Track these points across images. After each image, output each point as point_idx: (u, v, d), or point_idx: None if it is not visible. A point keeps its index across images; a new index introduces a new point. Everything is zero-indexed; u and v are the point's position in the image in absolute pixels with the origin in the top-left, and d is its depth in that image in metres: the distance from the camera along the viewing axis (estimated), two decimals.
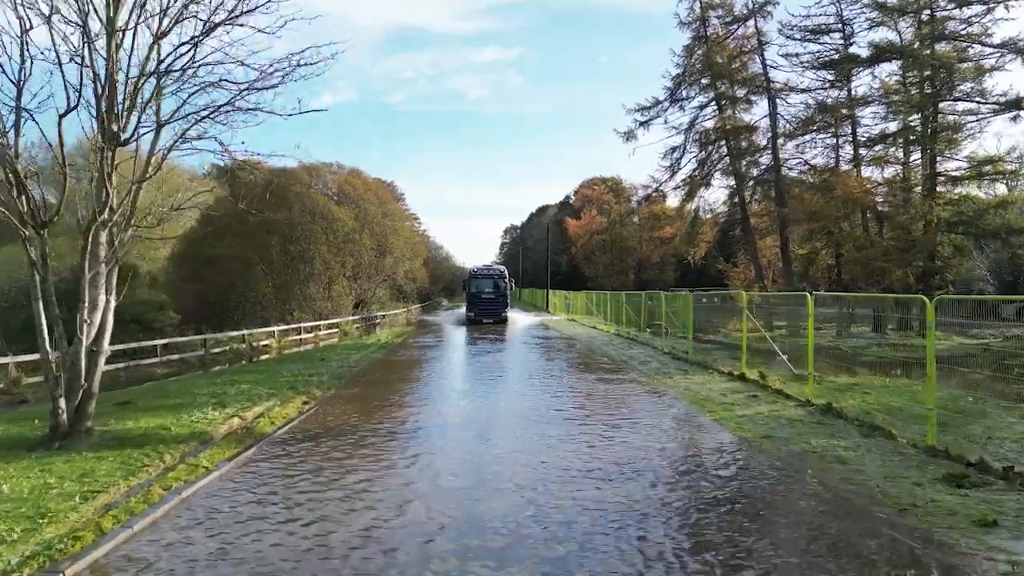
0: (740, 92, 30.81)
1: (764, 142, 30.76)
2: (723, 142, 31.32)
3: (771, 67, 28.73)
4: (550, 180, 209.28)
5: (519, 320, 35.49)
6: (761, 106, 31.45)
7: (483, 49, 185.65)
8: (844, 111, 26.06)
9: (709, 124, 32.11)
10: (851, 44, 27.41)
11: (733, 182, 31.15)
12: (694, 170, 32.54)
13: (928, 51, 25.26)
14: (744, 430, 8.74)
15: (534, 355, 18.70)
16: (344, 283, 30.86)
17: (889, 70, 26.61)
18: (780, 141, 28.53)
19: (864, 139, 27.85)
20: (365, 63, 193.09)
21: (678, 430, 8.85)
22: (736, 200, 31.07)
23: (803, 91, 28.43)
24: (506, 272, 35.15)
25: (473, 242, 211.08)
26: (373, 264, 32.66)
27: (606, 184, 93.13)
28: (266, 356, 20.58)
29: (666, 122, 32.04)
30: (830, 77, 28.19)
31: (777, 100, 28.34)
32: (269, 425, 8.95)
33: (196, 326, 22.41)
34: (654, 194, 34.61)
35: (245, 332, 20.35)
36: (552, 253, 61.64)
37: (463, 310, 37.89)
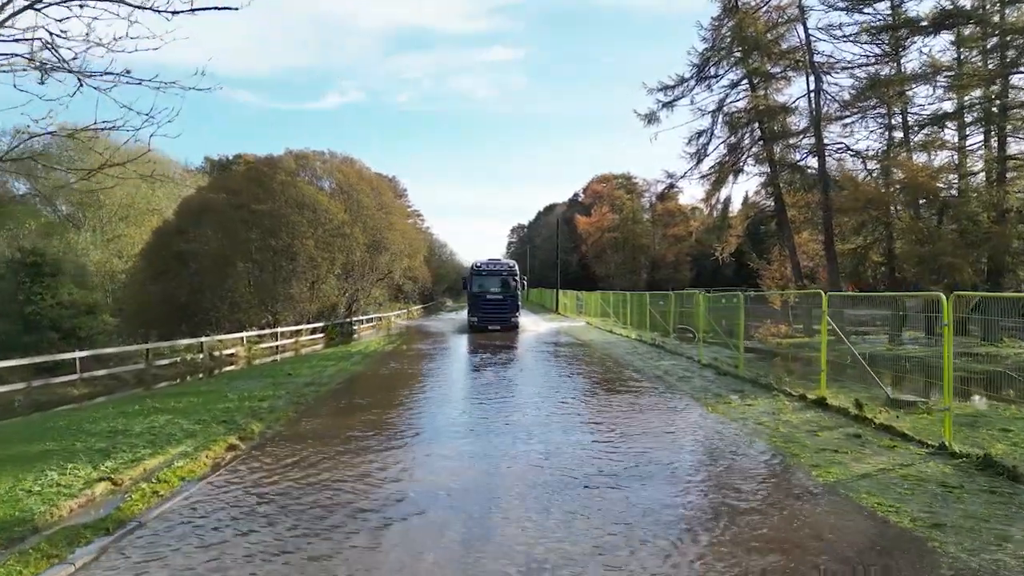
0: (776, 69, 27.50)
1: (803, 124, 27.48)
2: (756, 125, 28.03)
3: (813, 39, 25.38)
4: (557, 180, 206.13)
5: (529, 326, 30.46)
6: (798, 84, 28.34)
7: (489, 49, 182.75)
8: (898, 87, 22.69)
9: (740, 105, 28.87)
10: (901, 14, 24.09)
11: (767, 169, 27.84)
12: (723, 156, 29.27)
13: (998, 17, 21.91)
14: (890, 510, 5.52)
15: (551, 369, 15.51)
16: (333, 282, 27.77)
17: (941, 44, 23.36)
18: (820, 123, 25.17)
19: (916, 121, 24.56)
20: (371, 64, 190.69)
21: (788, 512, 5.57)
22: (771, 190, 27.76)
23: (846, 68, 25.08)
24: (516, 267, 29.15)
25: (479, 242, 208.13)
26: (366, 261, 29.52)
27: (618, 180, 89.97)
28: (231, 368, 17.52)
29: (692, 102, 28.75)
30: (877, 50, 24.87)
31: (822, 76, 24.96)
32: (150, 498, 5.79)
33: (147, 332, 19.33)
34: (675, 185, 31.25)
35: (203, 339, 17.15)
36: (561, 252, 58.43)
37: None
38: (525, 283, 30.96)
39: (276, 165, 28.85)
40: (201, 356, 16.41)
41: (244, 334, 19.21)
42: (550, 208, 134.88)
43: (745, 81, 28.49)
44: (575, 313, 46.37)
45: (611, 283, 72.19)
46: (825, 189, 24.61)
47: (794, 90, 32.99)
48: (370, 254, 29.60)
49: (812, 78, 26.18)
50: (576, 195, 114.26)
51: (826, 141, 26.48)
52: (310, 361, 16.58)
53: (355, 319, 29.27)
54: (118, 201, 36.28)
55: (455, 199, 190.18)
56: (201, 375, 15.71)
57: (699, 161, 29.69)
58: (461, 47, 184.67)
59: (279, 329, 21.61)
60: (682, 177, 29.73)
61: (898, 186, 21.07)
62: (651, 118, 28.90)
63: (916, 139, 24.53)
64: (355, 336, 27.64)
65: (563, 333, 26.87)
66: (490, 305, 27.53)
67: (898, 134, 24.69)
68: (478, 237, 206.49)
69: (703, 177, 29.70)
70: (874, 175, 25.42)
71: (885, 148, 25.54)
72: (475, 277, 28.31)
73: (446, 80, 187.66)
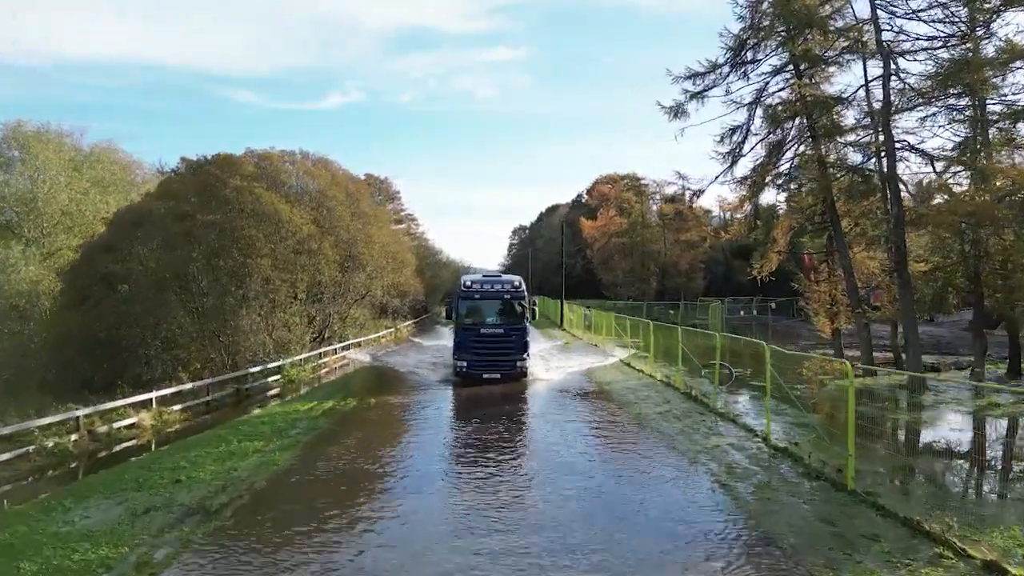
0: (829, 52, 22.83)
1: (858, 118, 22.87)
2: (802, 119, 23.40)
3: (880, 10, 20.65)
4: (559, 180, 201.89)
5: (535, 361, 21.81)
6: (853, 72, 23.63)
7: (491, 49, 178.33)
8: (999, 70, 18.09)
9: (782, 96, 24.23)
10: None
11: (816, 172, 23.18)
12: (763, 157, 24.62)
13: None
14: None
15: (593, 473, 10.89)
16: (297, 307, 23.16)
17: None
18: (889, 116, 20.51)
19: (1001, 113, 20.00)
20: (372, 64, 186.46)
21: None
22: (822, 197, 23.11)
23: (922, 49, 20.43)
24: (522, 287, 20.57)
25: (480, 242, 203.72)
26: (339, 281, 24.89)
27: (625, 179, 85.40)
28: (130, 443, 12.93)
29: (728, 92, 24.07)
30: (947, 30, 20.28)
31: (892, 59, 20.28)
32: None
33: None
34: (702, 190, 26.43)
35: (80, 413, 12.24)
36: (565, 256, 53.76)
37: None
38: (535, 308, 21.70)
39: (230, 167, 24.25)
40: (75, 437, 11.78)
41: (154, 394, 14.57)
42: (552, 209, 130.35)
43: (790, 67, 23.87)
44: (582, 329, 41.61)
45: (617, 291, 67.49)
46: (896, 196, 19.96)
47: (847, 79, 28.15)
48: (343, 273, 25.00)
49: (875, 62, 21.58)
50: (580, 196, 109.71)
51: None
52: (231, 439, 11.99)
53: (323, 350, 24.62)
54: (61, 208, 31.76)
55: (456, 200, 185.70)
56: (51, 472, 11.11)
57: (733, 162, 25.04)
58: (462, 47, 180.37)
59: (207, 381, 16.92)
60: (713, 181, 25.04)
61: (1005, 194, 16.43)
62: (677, 111, 24.21)
63: (995, 135, 20.07)
64: (322, 373, 23.03)
65: (585, 376, 21.29)
66: (486, 344, 19.29)
67: (984, 129, 20.15)
68: (479, 238, 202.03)
69: (738, 182, 25.07)
70: (950, 178, 20.88)
71: (960, 146, 21.03)
72: (464, 301, 19.76)
73: (448, 80, 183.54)
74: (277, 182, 24.66)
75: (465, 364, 19.48)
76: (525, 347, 19.84)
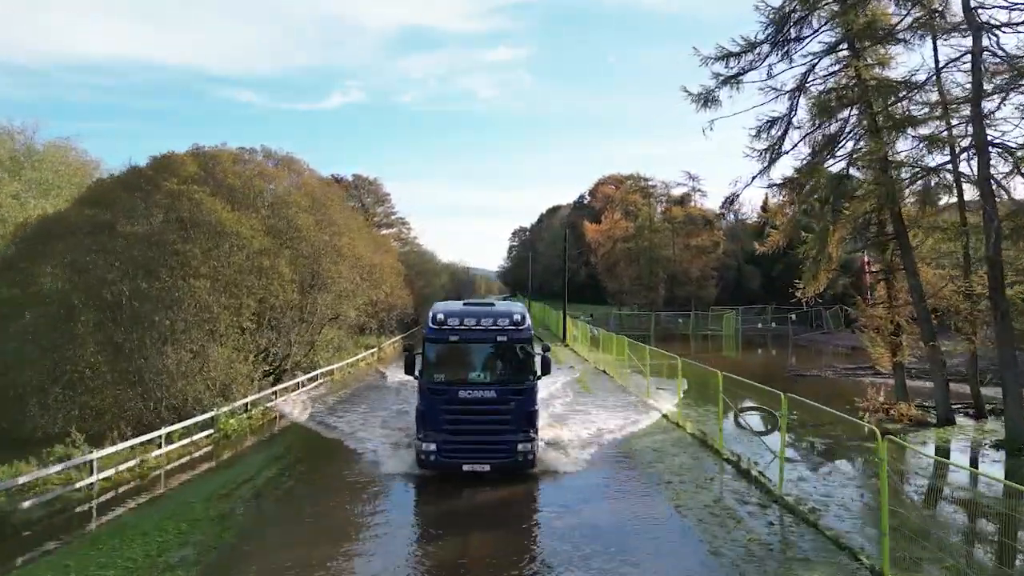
0: (901, 22, 18.64)
1: (926, 106, 18.72)
2: (861, 108, 19.24)
3: None
4: (561, 181, 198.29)
5: (546, 425, 15.80)
6: (922, 52, 19.51)
7: (494, 49, 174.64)
8: None
9: (832, 82, 20.09)
10: None
11: (875, 172, 19.02)
12: (808, 156, 20.48)
13: None
14: None
15: None
16: (245, 339, 18.94)
17: None
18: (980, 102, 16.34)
19: None
20: (375, 64, 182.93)
21: None
22: (882, 204, 18.93)
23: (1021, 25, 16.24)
24: (526, 321, 13.26)
25: (480, 243, 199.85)
26: (296, 305, 20.69)
27: (629, 180, 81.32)
28: None
29: (770, 75, 19.90)
30: None
31: (983, 34, 16.10)
32: None
33: None
34: (737, 195, 22.30)
35: None
36: (568, 259, 49.47)
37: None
38: (548, 358, 13.48)
39: (168, 169, 20.10)
40: None
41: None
42: (554, 210, 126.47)
43: (843, 47, 19.71)
44: (587, 346, 37.12)
45: (623, 299, 63.27)
46: (991, 204, 15.77)
47: (912, 62, 23.76)
48: (304, 295, 20.83)
49: (953, 40, 17.46)
50: (582, 197, 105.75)
51: (960, 132, 17.74)
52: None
53: (280, 388, 20.40)
54: None
55: (457, 200, 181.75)
56: None
57: (772, 161, 20.87)
58: (464, 47, 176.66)
59: (94, 456, 12.58)
60: (748, 184, 20.84)
61: None
62: (707, 99, 20.04)
63: None
64: (279, 414, 18.81)
65: (624, 454, 14.71)
66: (469, 416, 12.43)
67: None
68: (478, 238, 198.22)
69: (779, 186, 20.89)
70: None
71: None
72: (435, 346, 12.83)
73: (450, 81, 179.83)
74: (225, 186, 20.46)
75: (434, 449, 12.25)
76: (532, 421, 12.71)
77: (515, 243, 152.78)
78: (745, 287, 67.02)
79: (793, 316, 50.98)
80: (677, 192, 63.53)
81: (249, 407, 17.90)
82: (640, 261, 56.84)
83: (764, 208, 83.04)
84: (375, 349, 33.26)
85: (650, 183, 62.87)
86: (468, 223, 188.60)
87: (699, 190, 59.37)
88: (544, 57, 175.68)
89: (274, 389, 20.06)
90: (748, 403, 19.96)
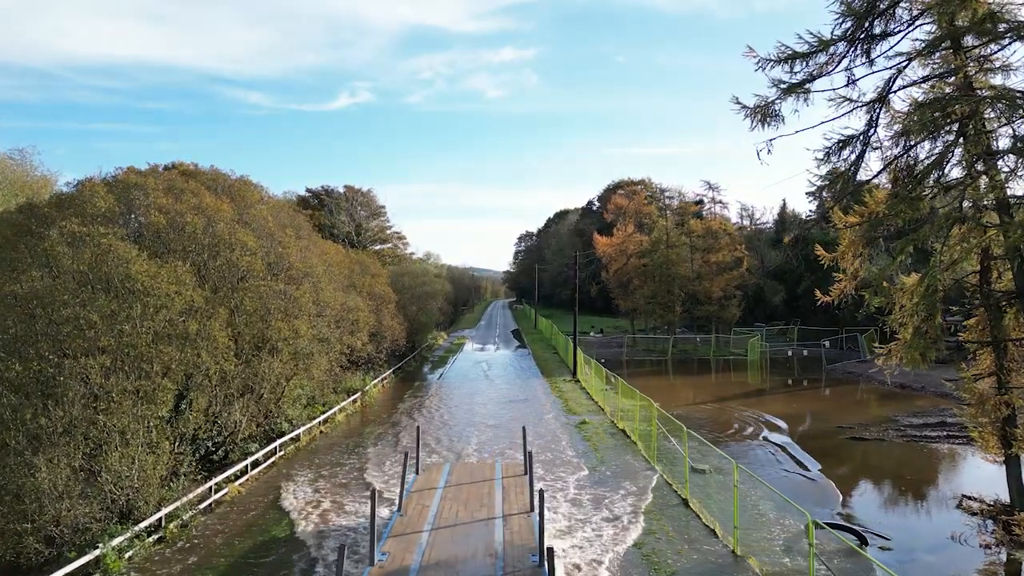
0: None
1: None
2: (974, 124, 14.66)
3: None
4: (571, 183, 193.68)
5: None
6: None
7: (500, 49, 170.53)
8: None
9: (914, 94, 15.51)
10: None
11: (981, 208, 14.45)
12: (890, 183, 15.90)
13: None
14: None
15: None
16: (148, 435, 14.53)
17: None
18: None
19: None
20: (383, 65, 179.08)
21: None
22: (998, 239, 14.37)
23: None
24: None
25: (486, 245, 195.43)
26: (232, 375, 16.20)
27: (641, 184, 76.78)
28: None
29: (850, 81, 15.32)
30: None
31: None
32: None
33: None
34: (807, 228, 17.63)
35: None
36: (573, 269, 44.90)
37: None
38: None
39: (71, 204, 15.77)
40: None
41: None
42: (562, 215, 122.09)
43: (945, 45, 15.12)
44: (601, 382, 31.97)
45: (637, 317, 58.61)
46: None
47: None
48: (247, 364, 16.42)
49: None
50: (591, 203, 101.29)
51: None
52: None
53: (210, 484, 15.98)
54: None
55: (461, 201, 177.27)
56: None
57: (844, 192, 16.31)
58: (471, 48, 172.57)
59: None
60: (814, 223, 16.28)
61: None
62: (765, 114, 15.49)
63: None
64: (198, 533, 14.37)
65: None
66: None
67: None
68: (485, 239, 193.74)
69: (847, 226, 16.29)
70: None
71: None
72: None
73: (457, 81, 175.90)
74: (149, 225, 16.09)
75: None
76: None
77: (521, 248, 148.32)
78: (766, 301, 62.21)
79: (826, 343, 46.24)
80: (692, 199, 58.96)
81: (163, 522, 13.53)
82: (656, 278, 52.19)
83: (781, 216, 78.38)
84: (359, 394, 28.73)
85: (666, 193, 58.19)
86: (475, 223, 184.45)
87: (719, 201, 54.60)
88: (553, 57, 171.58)
89: (210, 483, 15.67)
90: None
